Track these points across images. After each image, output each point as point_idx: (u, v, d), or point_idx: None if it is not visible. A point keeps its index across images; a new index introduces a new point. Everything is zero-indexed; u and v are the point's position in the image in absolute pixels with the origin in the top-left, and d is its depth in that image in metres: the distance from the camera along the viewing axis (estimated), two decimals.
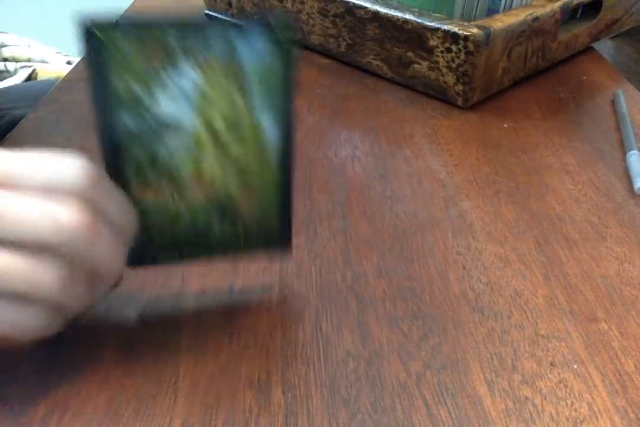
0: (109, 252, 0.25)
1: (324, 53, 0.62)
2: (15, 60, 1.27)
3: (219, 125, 0.27)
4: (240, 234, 0.30)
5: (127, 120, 0.26)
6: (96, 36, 0.24)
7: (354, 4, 0.55)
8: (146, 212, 0.29)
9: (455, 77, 0.51)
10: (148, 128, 0.26)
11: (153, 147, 0.27)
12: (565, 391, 0.29)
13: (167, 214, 0.29)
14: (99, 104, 0.26)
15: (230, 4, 0.69)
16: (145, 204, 0.28)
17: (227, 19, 0.69)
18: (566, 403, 0.29)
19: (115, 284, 0.28)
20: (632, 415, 0.28)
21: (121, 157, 0.27)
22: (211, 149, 0.27)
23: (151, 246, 0.30)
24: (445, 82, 0.52)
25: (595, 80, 0.58)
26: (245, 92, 0.27)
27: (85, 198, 0.24)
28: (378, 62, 0.57)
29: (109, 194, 0.26)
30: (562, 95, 0.55)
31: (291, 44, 0.26)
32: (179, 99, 0.26)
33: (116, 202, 0.26)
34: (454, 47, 0.49)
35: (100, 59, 0.25)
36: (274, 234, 0.31)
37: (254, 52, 0.26)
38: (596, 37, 0.63)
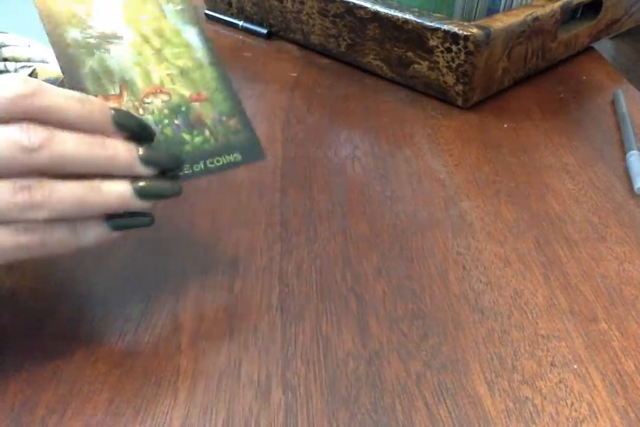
0: (77, 143, 0.26)
1: (324, 53, 0.62)
2: (15, 60, 1.27)
3: (146, 30, 0.32)
4: (211, 142, 0.32)
5: (74, 34, 0.31)
6: None
7: (354, 4, 0.55)
8: None
9: (455, 77, 0.51)
10: (94, 40, 0.31)
11: (102, 56, 0.31)
12: (565, 391, 0.29)
13: None
14: (48, 21, 0.31)
15: (230, 4, 0.69)
16: None
17: (226, 18, 0.70)
18: (566, 403, 0.29)
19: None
20: (632, 415, 0.28)
21: (79, 69, 0.31)
22: (149, 52, 0.32)
23: None
24: (445, 82, 0.52)
25: (595, 80, 0.58)
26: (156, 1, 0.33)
27: (18, 107, 0.25)
28: (378, 62, 0.57)
29: (54, 95, 0.26)
30: (562, 95, 0.56)
31: None
32: (109, 11, 0.32)
33: (66, 97, 0.26)
34: (454, 47, 0.49)
35: None
36: (243, 139, 0.32)
37: None
38: (596, 37, 0.63)
